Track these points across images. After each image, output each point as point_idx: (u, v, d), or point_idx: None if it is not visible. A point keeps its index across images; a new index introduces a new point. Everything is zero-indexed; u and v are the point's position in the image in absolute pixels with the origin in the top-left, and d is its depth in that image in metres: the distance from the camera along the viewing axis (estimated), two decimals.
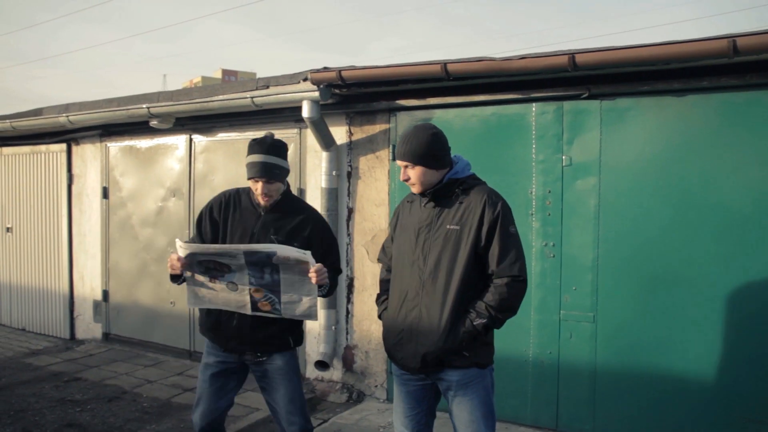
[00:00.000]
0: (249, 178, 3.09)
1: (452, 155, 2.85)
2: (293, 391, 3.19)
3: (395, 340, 2.82)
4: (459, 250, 2.67)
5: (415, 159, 2.74)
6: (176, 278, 3.04)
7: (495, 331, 2.83)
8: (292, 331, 3.20)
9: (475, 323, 2.62)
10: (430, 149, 2.73)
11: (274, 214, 3.16)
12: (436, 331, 2.66)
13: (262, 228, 3.11)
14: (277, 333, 3.12)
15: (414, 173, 2.76)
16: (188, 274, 2.99)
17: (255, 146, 3.09)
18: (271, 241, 3.04)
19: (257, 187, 3.08)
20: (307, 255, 2.84)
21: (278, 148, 3.12)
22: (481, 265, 2.68)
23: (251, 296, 2.96)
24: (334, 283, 3.21)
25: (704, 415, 4.04)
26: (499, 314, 2.63)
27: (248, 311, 3.00)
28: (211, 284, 2.98)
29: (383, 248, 3.10)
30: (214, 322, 3.16)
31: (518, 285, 2.64)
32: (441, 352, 2.67)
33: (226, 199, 3.25)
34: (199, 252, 2.91)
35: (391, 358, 2.91)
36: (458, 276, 2.66)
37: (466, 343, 2.65)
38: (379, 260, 3.07)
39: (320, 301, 4.06)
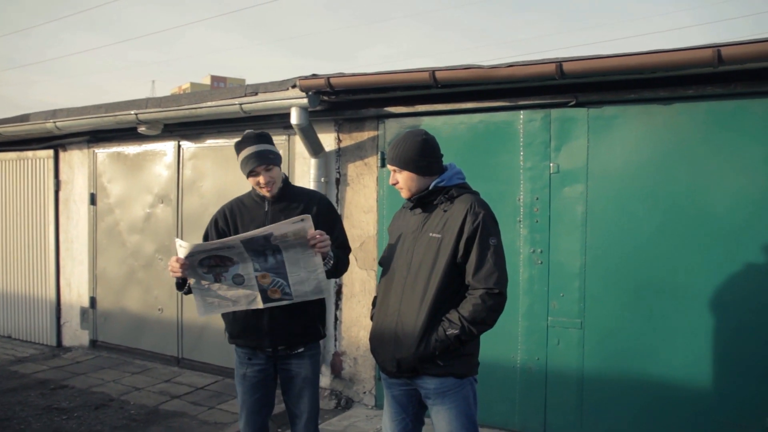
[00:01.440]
0: (249, 174, 3.10)
1: (446, 163, 2.85)
2: (315, 401, 3.22)
3: (376, 343, 2.84)
4: (438, 259, 2.65)
5: (403, 164, 2.75)
6: (181, 286, 3.00)
7: (482, 337, 2.79)
8: (321, 320, 3.23)
9: (447, 333, 2.57)
10: (417, 155, 2.73)
11: (280, 204, 3.18)
12: (411, 337, 2.64)
13: (272, 219, 3.10)
14: (309, 322, 3.14)
15: (401, 178, 2.78)
16: (191, 281, 2.93)
17: (242, 143, 3.13)
18: None
19: (259, 180, 3.09)
20: (305, 220, 2.77)
21: (264, 137, 3.17)
22: (461, 276, 2.65)
23: (259, 285, 2.90)
24: (345, 261, 3.21)
25: (691, 420, 4.06)
26: (472, 326, 2.56)
27: (260, 304, 2.94)
28: (217, 285, 2.92)
29: (385, 251, 3.06)
30: (244, 324, 3.13)
31: (493, 298, 2.55)
32: (414, 359, 2.65)
33: (229, 209, 3.27)
34: (199, 250, 2.84)
35: (375, 360, 2.93)
36: (435, 285, 2.63)
37: (439, 353, 2.61)
38: (380, 263, 3.03)
39: None
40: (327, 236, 2.88)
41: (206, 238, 3.24)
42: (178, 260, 2.83)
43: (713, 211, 4.01)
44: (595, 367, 4.36)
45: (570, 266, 4.42)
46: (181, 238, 6.27)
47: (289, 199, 3.21)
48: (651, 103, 4.18)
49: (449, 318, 2.60)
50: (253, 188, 3.23)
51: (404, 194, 2.83)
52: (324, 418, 4.97)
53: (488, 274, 2.57)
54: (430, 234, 2.70)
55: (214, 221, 3.26)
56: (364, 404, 5.31)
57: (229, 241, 2.81)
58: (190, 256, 2.83)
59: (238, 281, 2.91)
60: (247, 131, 3.18)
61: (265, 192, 3.13)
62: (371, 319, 2.99)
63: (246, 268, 2.87)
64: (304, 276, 2.90)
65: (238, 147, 3.14)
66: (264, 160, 3.08)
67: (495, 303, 2.57)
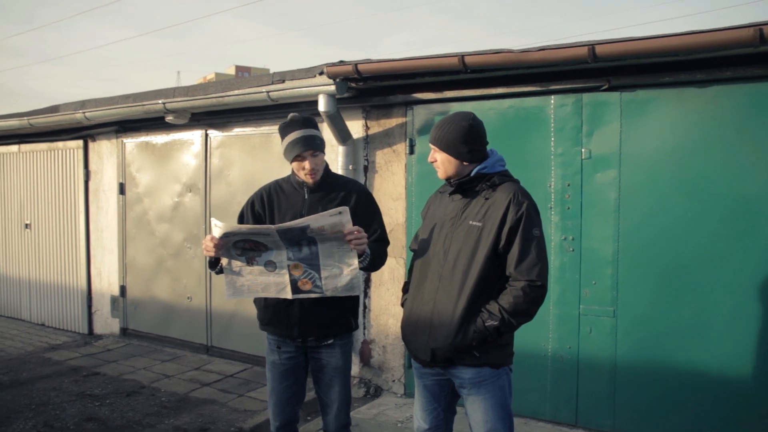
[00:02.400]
0: (293, 159, 3.03)
1: (488, 149, 2.78)
2: (347, 390, 3.18)
3: (409, 331, 2.79)
4: (478, 248, 2.59)
5: (444, 146, 2.70)
6: (213, 265, 2.98)
7: None
8: (353, 312, 3.17)
9: (486, 324, 2.53)
10: (460, 141, 2.66)
11: (319, 193, 3.12)
12: (447, 327, 2.60)
13: (310, 209, 3.06)
14: (339, 314, 3.08)
15: (440, 158, 2.73)
16: (224, 261, 2.91)
17: (288, 126, 3.06)
18: None
19: (304, 165, 3.03)
20: (343, 213, 2.73)
21: (310, 121, 3.10)
22: (501, 266, 2.60)
23: (290, 275, 2.86)
24: (382, 255, 3.12)
25: (727, 410, 3.98)
26: (512, 318, 2.53)
27: (288, 295, 2.90)
28: (248, 269, 2.90)
29: (415, 236, 3.01)
30: (274, 311, 3.11)
31: (535, 290, 2.53)
32: (450, 350, 2.61)
33: (267, 192, 3.22)
34: (234, 231, 2.81)
35: (407, 349, 2.88)
36: (475, 274, 2.58)
37: (477, 344, 2.57)
38: (411, 248, 2.99)
39: None
40: (364, 233, 2.82)
41: (241, 219, 3.23)
42: (212, 239, 2.82)
43: (752, 198, 3.90)
44: (628, 355, 4.29)
45: (602, 253, 4.35)
46: (209, 226, 6.31)
47: (329, 188, 3.14)
48: (686, 86, 4.08)
49: (489, 309, 2.55)
50: (292, 173, 3.17)
51: (440, 174, 2.78)
52: (353, 407, 4.94)
53: (531, 265, 2.53)
54: (470, 222, 2.64)
55: (251, 203, 3.22)
56: (393, 392, 5.30)
57: (265, 229, 2.78)
58: (225, 236, 2.81)
59: (270, 268, 2.87)
60: (292, 114, 3.11)
61: (308, 178, 3.07)
62: (402, 305, 2.96)
63: (279, 255, 2.84)
64: (337, 271, 2.85)
65: (284, 130, 3.07)
66: (311, 145, 3.02)
67: (537, 295, 2.54)
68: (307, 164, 3.03)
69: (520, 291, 2.52)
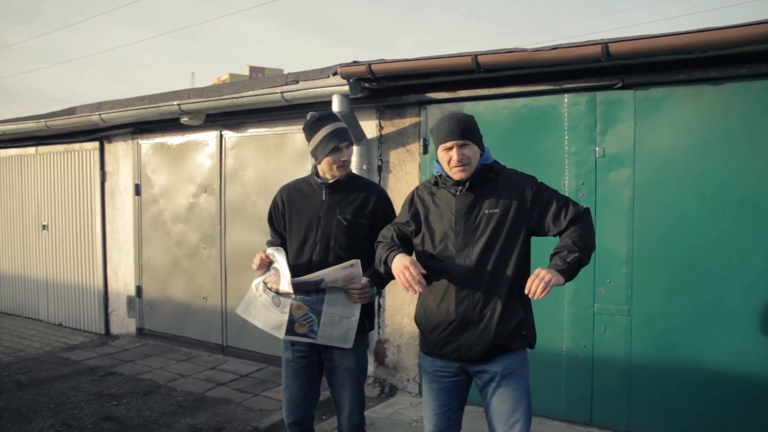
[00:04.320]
0: (329, 153, 3.04)
1: None
2: (359, 391, 3.19)
3: (446, 332, 2.72)
4: (505, 232, 2.65)
5: (472, 136, 2.70)
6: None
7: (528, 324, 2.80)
8: (368, 314, 3.18)
9: (569, 259, 2.53)
10: (478, 129, 2.75)
11: (338, 195, 3.13)
12: (497, 314, 2.63)
13: (327, 211, 3.10)
14: None
15: (471, 152, 2.69)
16: (256, 280, 3.08)
17: (318, 122, 3.08)
18: (339, 222, 3.06)
19: (343, 157, 3.06)
20: (355, 266, 2.83)
21: (336, 116, 3.18)
22: (528, 249, 2.72)
23: (291, 314, 2.94)
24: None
25: (745, 409, 3.95)
26: (588, 243, 2.61)
27: (281, 334, 2.98)
28: (263, 298, 3.01)
29: (420, 238, 2.86)
30: None
31: (588, 213, 2.70)
32: (504, 337, 2.65)
33: (286, 192, 3.27)
34: (274, 260, 3.01)
35: (435, 353, 2.79)
36: (512, 258, 2.65)
37: (570, 272, 2.53)
38: (418, 249, 2.85)
39: None
40: (369, 289, 2.94)
41: (270, 219, 3.32)
42: (261, 257, 3.06)
43: (766, 195, 3.87)
44: (643, 354, 4.28)
45: (617, 252, 4.33)
46: (224, 227, 6.37)
47: (349, 189, 3.15)
48: (701, 84, 4.05)
49: (560, 249, 2.59)
50: (312, 174, 3.20)
51: (467, 173, 2.69)
52: (368, 406, 4.97)
53: (574, 204, 2.70)
54: (487, 211, 2.67)
55: (275, 205, 3.29)
56: (407, 392, 5.31)
57: (286, 284, 2.92)
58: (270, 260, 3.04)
59: (276, 303, 2.97)
60: (311, 113, 3.13)
61: (341, 171, 3.09)
62: (420, 305, 2.87)
63: (287, 293, 2.93)
64: (337, 319, 2.94)
65: (314, 126, 3.08)
66: (346, 136, 3.07)
67: (592, 222, 2.71)
68: (343, 156, 3.06)
69: (580, 219, 2.66)
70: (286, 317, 2.94)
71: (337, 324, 2.93)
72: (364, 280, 2.92)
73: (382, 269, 2.82)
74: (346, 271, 2.84)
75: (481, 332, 2.66)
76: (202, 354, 6.65)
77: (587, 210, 2.71)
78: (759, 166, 3.90)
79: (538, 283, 2.41)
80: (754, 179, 3.91)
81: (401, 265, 2.62)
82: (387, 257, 2.75)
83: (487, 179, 2.73)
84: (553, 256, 2.60)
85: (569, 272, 2.52)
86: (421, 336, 2.91)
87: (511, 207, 2.66)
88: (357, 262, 2.84)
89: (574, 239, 2.58)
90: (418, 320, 2.88)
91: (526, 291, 2.45)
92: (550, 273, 2.44)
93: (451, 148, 2.67)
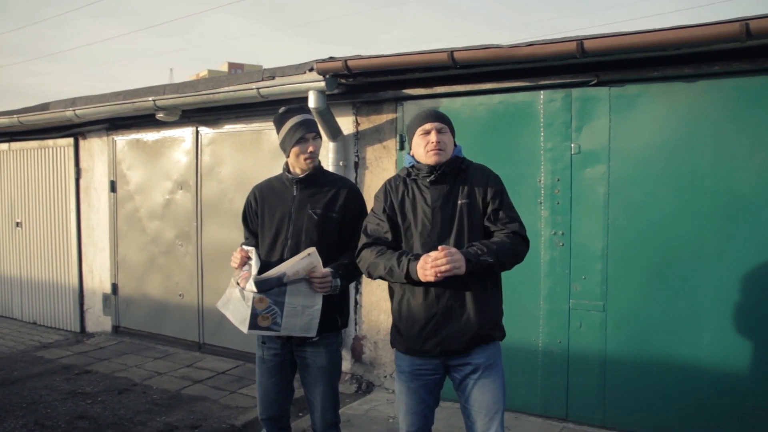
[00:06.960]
0: (295, 143, 3.06)
1: None
2: (332, 390, 3.17)
3: (428, 327, 2.69)
4: (474, 222, 2.70)
5: (448, 123, 2.82)
6: None
7: (504, 320, 2.81)
8: (340, 311, 3.17)
9: (481, 259, 2.56)
10: (452, 123, 2.86)
11: (309, 190, 3.13)
12: (482, 301, 2.67)
13: (299, 206, 3.09)
14: (325, 311, 3.00)
15: (447, 139, 2.78)
16: (236, 274, 3.06)
17: (286, 114, 3.13)
18: (310, 216, 3.06)
19: (308, 148, 3.07)
20: (312, 254, 2.85)
21: (306, 108, 3.23)
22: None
23: (253, 308, 2.90)
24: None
25: (719, 404, 4.00)
26: (505, 260, 2.64)
27: (244, 328, 2.95)
28: (237, 291, 3.00)
29: (373, 229, 2.89)
30: None
31: (521, 240, 2.73)
32: (491, 324, 2.70)
33: (259, 190, 3.27)
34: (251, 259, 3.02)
35: (415, 350, 2.75)
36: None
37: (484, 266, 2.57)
38: (392, 244, 2.82)
39: None
40: (329, 279, 2.93)
41: (244, 218, 3.31)
42: (241, 255, 3.06)
43: (739, 191, 3.92)
44: (618, 350, 4.31)
45: (592, 248, 4.36)
46: (200, 223, 6.32)
47: (320, 183, 3.15)
48: (675, 81, 4.09)
49: (487, 243, 2.64)
50: (284, 170, 3.20)
51: (441, 157, 2.73)
52: (345, 402, 4.97)
53: (519, 224, 2.75)
54: (459, 201, 2.73)
55: (249, 203, 3.29)
56: (384, 388, 5.31)
57: (249, 283, 2.91)
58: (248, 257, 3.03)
59: (242, 296, 2.96)
60: (283, 107, 3.18)
61: (308, 163, 3.09)
62: (397, 303, 2.82)
63: (250, 285, 2.92)
64: (300, 309, 2.92)
65: (282, 118, 3.12)
66: (313, 127, 3.10)
67: (522, 245, 2.75)
68: (310, 147, 3.07)
69: (515, 237, 2.70)
70: (249, 312, 2.92)
71: (300, 314, 2.92)
72: (326, 270, 2.93)
73: (396, 278, 2.70)
74: (305, 261, 2.84)
75: (465, 323, 2.66)
76: (178, 351, 6.60)
77: (525, 237, 2.75)
78: (732, 162, 3.93)
79: (446, 262, 2.48)
80: (728, 176, 3.95)
81: (423, 269, 2.56)
82: (407, 270, 2.64)
83: (459, 170, 2.79)
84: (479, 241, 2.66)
85: (473, 268, 2.55)
86: (397, 335, 2.84)
87: (477, 198, 2.74)
88: (313, 250, 2.85)
89: (499, 244, 2.64)
90: (396, 318, 2.84)
91: (431, 258, 2.51)
92: (461, 263, 2.51)
93: (429, 132, 2.75)
